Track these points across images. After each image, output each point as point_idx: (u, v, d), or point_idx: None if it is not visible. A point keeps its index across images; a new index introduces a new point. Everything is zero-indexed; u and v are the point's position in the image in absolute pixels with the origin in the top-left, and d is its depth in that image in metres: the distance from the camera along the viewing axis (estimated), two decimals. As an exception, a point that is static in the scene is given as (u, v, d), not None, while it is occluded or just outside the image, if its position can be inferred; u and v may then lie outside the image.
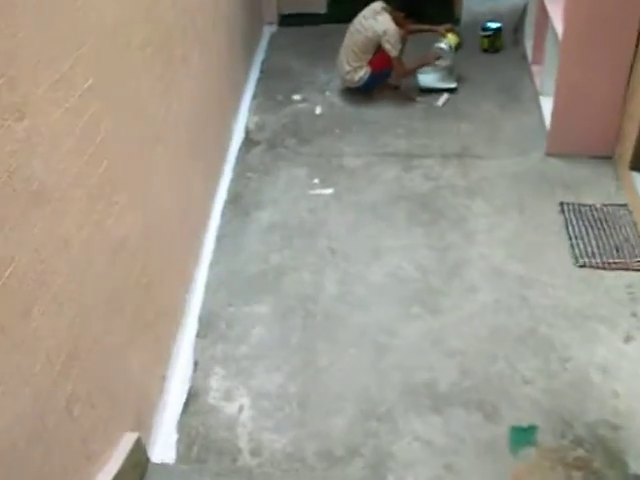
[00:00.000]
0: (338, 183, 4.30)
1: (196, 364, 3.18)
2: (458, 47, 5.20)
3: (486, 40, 5.87)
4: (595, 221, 3.96)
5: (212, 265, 3.72)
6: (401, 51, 4.94)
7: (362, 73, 4.99)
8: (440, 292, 3.49)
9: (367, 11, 4.98)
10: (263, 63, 5.85)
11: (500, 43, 5.92)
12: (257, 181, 4.35)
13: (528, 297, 3.44)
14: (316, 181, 4.32)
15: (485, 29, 5.86)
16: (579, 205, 4.08)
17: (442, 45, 5.13)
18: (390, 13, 4.89)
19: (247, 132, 4.88)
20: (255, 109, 5.16)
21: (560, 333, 3.26)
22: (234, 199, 4.20)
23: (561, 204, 4.09)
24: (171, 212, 3.14)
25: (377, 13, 4.89)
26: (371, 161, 4.50)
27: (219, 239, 3.89)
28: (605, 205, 4.08)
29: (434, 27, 5.24)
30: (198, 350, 3.27)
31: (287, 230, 3.93)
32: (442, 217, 3.99)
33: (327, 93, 5.33)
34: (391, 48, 4.85)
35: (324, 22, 6.60)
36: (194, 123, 3.61)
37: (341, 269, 3.65)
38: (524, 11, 6.09)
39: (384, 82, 5.17)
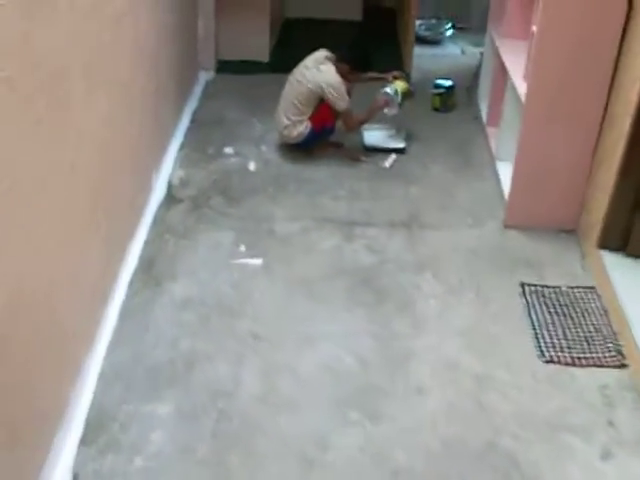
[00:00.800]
0: (268, 252, 3.72)
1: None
2: (406, 95, 4.73)
3: (438, 98, 5.45)
4: (561, 306, 3.47)
5: (110, 349, 3.06)
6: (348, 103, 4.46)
7: (302, 128, 4.47)
8: (383, 392, 2.90)
9: (309, 60, 4.49)
10: (195, 111, 5.30)
11: (453, 102, 5.51)
12: (175, 245, 3.74)
13: (487, 401, 2.88)
14: (242, 248, 3.73)
15: (437, 86, 5.45)
16: (542, 287, 3.59)
17: (387, 90, 4.66)
18: (334, 64, 4.41)
19: (170, 188, 4.28)
20: (181, 162, 4.57)
21: (525, 447, 2.70)
22: (146, 266, 3.57)
23: (522, 285, 3.59)
24: (54, 283, 2.50)
25: (320, 63, 4.41)
26: (307, 227, 3.94)
27: (123, 315, 3.25)
28: (571, 287, 3.60)
29: (382, 74, 4.80)
30: (80, 462, 2.59)
31: (204, 307, 3.31)
32: (387, 298, 3.43)
33: (263, 148, 4.78)
34: (337, 101, 4.36)
35: (265, 71, 6.11)
36: (98, 174, 3.00)
37: (265, 359, 3.04)
38: (478, 69, 5.72)
39: (326, 139, 4.66)
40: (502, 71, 4.50)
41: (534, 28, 3.70)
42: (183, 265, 3.59)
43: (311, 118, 4.46)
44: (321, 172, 4.51)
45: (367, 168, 4.60)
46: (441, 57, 7.01)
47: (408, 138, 4.92)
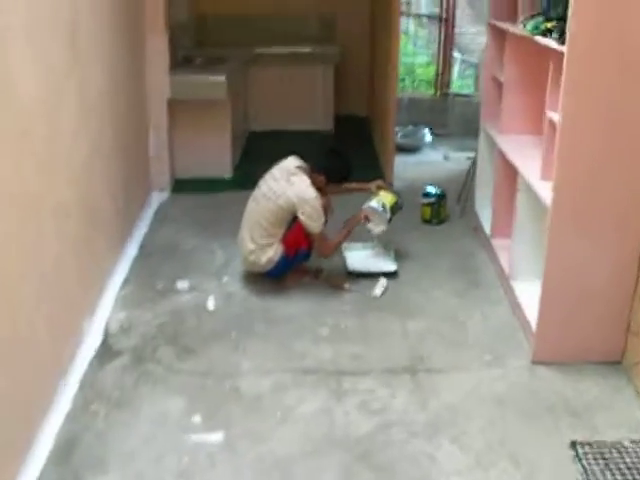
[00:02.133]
0: (231, 422, 2.79)
1: None
2: (395, 208, 3.96)
3: (428, 209, 4.70)
4: (630, 471, 2.57)
5: None
6: (324, 223, 3.66)
7: (271, 253, 3.64)
8: None
9: (278, 170, 3.73)
10: (145, 238, 4.48)
11: (445, 212, 4.76)
12: (106, 419, 2.80)
13: None
14: (197, 419, 2.80)
15: (426, 195, 4.71)
16: (599, 445, 2.69)
17: (373, 203, 3.89)
18: (308, 174, 3.66)
19: (106, 336, 3.38)
20: (123, 302, 3.70)
21: None
22: (64, 451, 2.63)
23: (573, 445, 2.69)
24: None
25: (291, 174, 3.64)
26: (282, 383, 3.03)
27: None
28: (635, 442, 2.70)
29: (363, 185, 4.04)
30: None
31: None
32: (394, 478, 2.50)
33: (224, 279, 3.93)
34: (310, 222, 3.58)
35: (228, 188, 5.37)
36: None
37: None
38: (470, 174, 5.01)
39: (301, 265, 3.83)
40: (507, 172, 3.76)
41: (551, 117, 2.98)
42: (115, 448, 2.64)
43: (282, 240, 3.65)
44: (297, 307, 3.65)
45: (353, 299, 3.75)
46: (423, 164, 6.36)
47: (398, 257, 4.11)
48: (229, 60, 5.81)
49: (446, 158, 6.56)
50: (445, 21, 7.88)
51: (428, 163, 6.42)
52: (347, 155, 3.82)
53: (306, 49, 6.91)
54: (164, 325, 3.48)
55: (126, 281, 3.92)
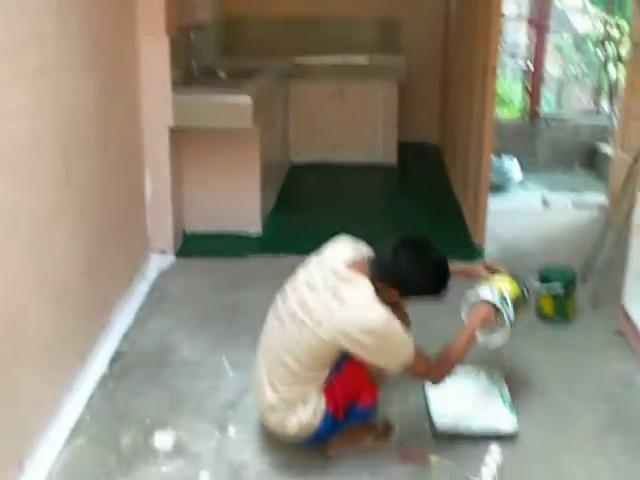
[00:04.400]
0: None
1: None
2: (519, 303, 2.39)
3: (550, 301, 3.11)
4: None
5: None
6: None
7: (307, 415, 2.09)
8: None
9: (318, 269, 2.16)
10: (126, 337, 3.03)
11: (573, 306, 3.18)
12: None
13: None
14: None
15: (545, 280, 3.12)
16: None
17: (485, 293, 2.33)
18: (369, 271, 2.10)
19: None
20: (62, 475, 2.22)
21: None
22: None
23: None
24: None
25: (342, 279, 2.07)
26: None
27: None
28: None
29: (466, 267, 2.50)
30: None
31: None
32: None
33: (230, 432, 2.42)
34: (385, 359, 2.06)
35: (255, 249, 3.89)
36: None
37: None
38: (602, 242, 3.44)
39: (354, 425, 2.27)
40: None
41: None
42: None
43: (326, 389, 2.10)
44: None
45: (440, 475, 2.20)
46: (516, 213, 4.73)
47: (512, 392, 2.54)
48: (262, 73, 4.33)
49: (546, 204, 4.96)
50: (536, 26, 6.30)
51: (522, 211, 4.82)
52: (440, 253, 2.19)
53: (363, 60, 5.41)
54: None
55: (77, 427, 2.44)
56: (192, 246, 3.90)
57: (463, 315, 2.33)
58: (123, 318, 3.16)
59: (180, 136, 3.74)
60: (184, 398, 2.60)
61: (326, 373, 2.07)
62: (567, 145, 6.21)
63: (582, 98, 7.14)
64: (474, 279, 2.42)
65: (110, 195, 2.99)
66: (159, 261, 3.74)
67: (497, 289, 2.33)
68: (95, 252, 2.79)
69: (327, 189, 4.99)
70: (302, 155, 5.38)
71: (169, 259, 3.78)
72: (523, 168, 5.58)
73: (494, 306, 2.28)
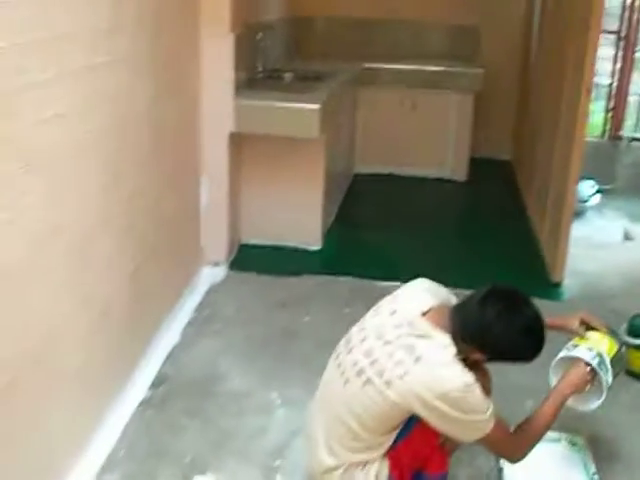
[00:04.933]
0: None
1: None
2: (616, 362, 2.03)
3: (641, 354, 2.77)
4: None
5: None
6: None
7: (371, 478, 1.80)
8: None
9: (390, 317, 1.84)
10: (170, 358, 2.80)
11: (668, 360, 2.82)
12: None
13: None
14: None
15: (636, 330, 2.77)
16: None
17: (583, 354, 1.98)
18: (452, 335, 1.78)
19: None
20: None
21: None
22: None
23: None
24: None
25: (418, 334, 1.75)
26: None
27: None
28: None
29: (558, 319, 2.08)
30: None
31: None
32: None
33: (278, 483, 2.17)
34: (461, 431, 1.75)
35: (315, 268, 3.62)
36: None
37: None
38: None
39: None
40: None
41: None
42: None
43: (390, 455, 1.81)
44: None
45: None
46: (593, 246, 4.27)
47: (597, 463, 2.20)
48: (330, 77, 4.07)
49: (628, 236, 4.55)
50: (625, 39, 5.87)
51: (601, 243, 4.38)
52: (535, 310, 1.81)
53: (436, 68, 5.09)
54: None
55: (109, 462, 2.21)
56: (247, 259, 3.66)
57: (552, 377, 2.01)
58: (169, 336, 2.93)
59: (240, 141, 3.49)
60: (228, 437, 2.35)
61: (393, 437, 1.78)
62: (648, 169, 5.81)
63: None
64: (567, 333, 2.09)
65: (161, 204, 2.76)
66: (211, 274, 3.50)
67: (596, 350, 2.00)
68: (142, 265, 2.56)
69: (391, 204, 4.69)
70: (367, 165, 5.10)
71: (222, 271, 3.55)
72: (601, 192, 5.18)
73: (591, 368, 1.95)
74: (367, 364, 1.76)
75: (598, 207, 5.05)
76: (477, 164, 5.24)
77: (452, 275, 3.50)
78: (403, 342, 1.73)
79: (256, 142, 3.54)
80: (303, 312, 3.17)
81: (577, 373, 1.91)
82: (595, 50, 3.29)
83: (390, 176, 5.07)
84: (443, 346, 1.73)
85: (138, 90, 2.45)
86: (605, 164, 5.75)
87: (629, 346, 2.73)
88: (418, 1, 5.35)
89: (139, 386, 2.57)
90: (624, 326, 2.82)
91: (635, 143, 5.92)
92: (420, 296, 1.86)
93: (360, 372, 1.76)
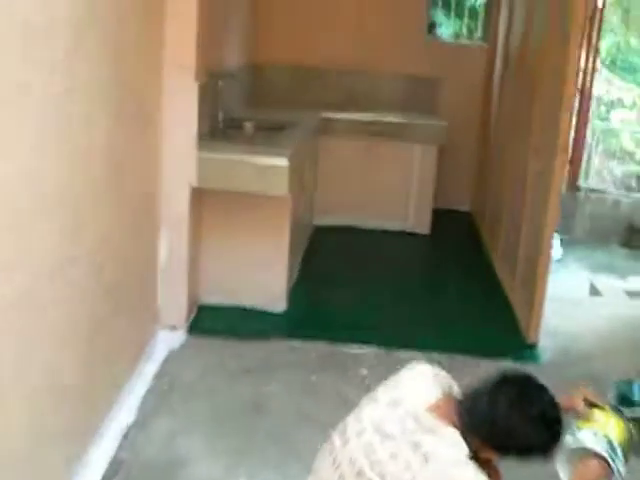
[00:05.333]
0: None
1: None
2: (628, 446, 1.81)
3: (634, 426, 2.60)
4: None
5: None
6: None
7: None
8: None
9: (392, 410, 1.61)
10: (126, 441, 2.52)
11: (661, 432, 2.66)
12: None
13: None
14: None
15: (625, 399, 2.62)
16: None
17: (589, 439, 1.75)
18: (460, 429, 1.57)
19: None
20: None
21: None
22: None
23: None
24: None
25: (425, 430, 1.53)
26: None
27: None
28: None
29: (563, 401, 1.77)
30: None
31: None
32: None
33: None
34: None
35: (279, 331, 3.39)
36: None
37: None
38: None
39: None
40: None
41: None
42: None
43: None
44: None
45: None
46: (564, 301, 4.13)
47: None
48: (292, 128, 3.90)
49: (595, 291, 4.46)
50: (580, 93, 5.89)
51: (569, 299, 4.26)
52: (551, 398, 1.64)
53: (400, 119, 4.98)
54: None
55: None
56: (207, 322, 3.41)
57: (560, 470, 1.81)
58: (124, 412, 2.65)
59: (201, 194, 3.27)
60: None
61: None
62: (606, 220, 5.81)
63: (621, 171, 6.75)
64: (572, 414, 1.90)
65: (119, 257, 2.51)
66: (169, 338, 3.24)
67: (603, 434, 1.82)
68: (95, 331, 2.29)
69: (355, 259, 4.51)
70: (327, 216, 4.91)
71: (180, 336, 3.28)
72: (562, 243, 5.14)
73: (604, 460, 1.76)
74: (367, 465, 1.54)
75: (560, 259, 4.99)
76: (437, 215, 5.12)
77: (423, 336, 3.36)
78: (408, 439, 1.52)
79: (218, 195, 3.32)
80: (270, 380, 2.94)
81: (590, 470, 1.72)
82: (571, 105, 3.21)
83: (351, 228, 4.91)
84: (454, 443, 1.52)
85: (97, 128, 2.21)
86: (565, 215, 5.73)
87: (633, 420, 2.58)
88: (377, 51, 5.27)
89: (91, 473, 2.28)
90: (611, 395, 2.67)
91: (592, 194, 5.92)
92: (424, 387, 1.65)
93: (359, 474, 1.54)
